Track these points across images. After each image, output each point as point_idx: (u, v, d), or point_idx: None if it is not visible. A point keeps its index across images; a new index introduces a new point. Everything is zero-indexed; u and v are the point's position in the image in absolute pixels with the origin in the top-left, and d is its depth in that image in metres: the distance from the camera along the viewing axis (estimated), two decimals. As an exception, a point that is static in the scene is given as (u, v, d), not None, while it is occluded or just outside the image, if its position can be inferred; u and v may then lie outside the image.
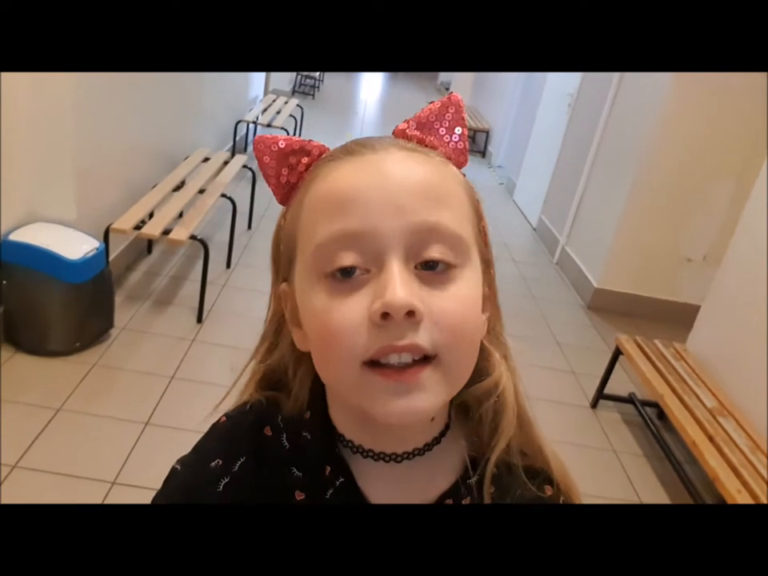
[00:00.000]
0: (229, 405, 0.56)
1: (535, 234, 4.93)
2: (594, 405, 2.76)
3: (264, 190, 4.58)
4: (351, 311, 0.41)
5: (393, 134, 0.48)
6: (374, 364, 0.41)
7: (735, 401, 2.31)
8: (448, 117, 0.47)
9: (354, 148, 0.45)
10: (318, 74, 9.62)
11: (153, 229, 2.59)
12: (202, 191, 3.23)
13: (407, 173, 0.43)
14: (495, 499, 0.50)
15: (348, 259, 0.42)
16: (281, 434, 0.52)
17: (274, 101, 6.03)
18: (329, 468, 0.50)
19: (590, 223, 4.02)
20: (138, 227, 2.58)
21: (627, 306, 3.63)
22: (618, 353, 2.70)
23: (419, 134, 0.47)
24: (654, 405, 2.66)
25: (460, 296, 0.42)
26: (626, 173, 3.58)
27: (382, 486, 0.50)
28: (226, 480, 0.51)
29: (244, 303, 3.03)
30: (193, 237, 2.70)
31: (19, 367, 2.23)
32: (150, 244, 3.30)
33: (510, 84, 6.77)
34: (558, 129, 4.80)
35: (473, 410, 0.51)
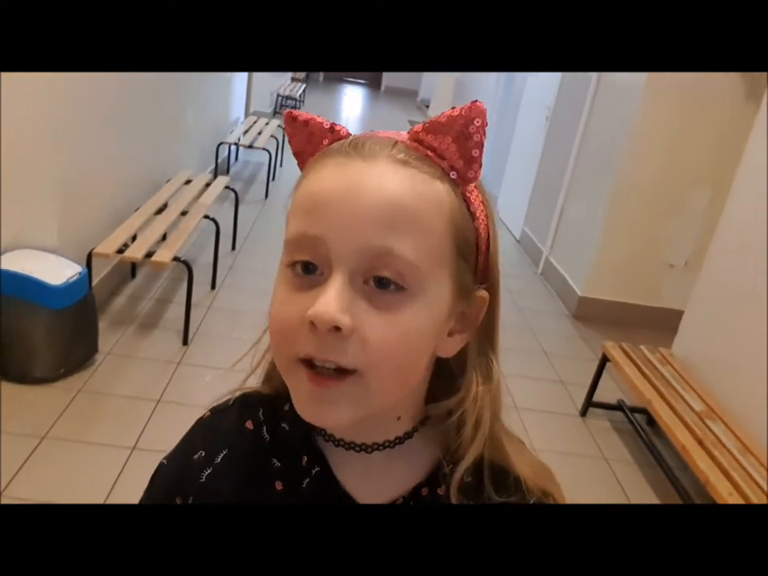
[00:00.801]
0: (244, 366, 0.57)
1: (519, 246, 4.97)
2: (583, 413, 2.77)
3: (247, 211, 4.61)
4: (298, 308, 0.43)
5: (408, 133, 0.47)
6: (305, 362, 0.43)
7: (723, 403, 2.33)
8: (465, 125, 0.44)
9: (348, 150, 0.45)
10: (298, 94, 9.68)
11: (136, 252, 2.58)
12: (184, 213, 3.23)
13: (379, 193, 0.42)
14: (468, 498, 0.50)
15: (304, 257, 0.44)
16: (261, 427, 0.54)
17: (255, 122, 6.06)
18: (305, 458, 0.51)
19: (573, 233, 4.06)
20: (120, 251, 2.57)
21: (612, 314, 3.65)
22: (604, 360, 2.71)
23: (429, 140, 0.45)
24: (643, 411, 2.67)
25: (402, 322, 0.43)
26: (605, 182, 3.62)
27: (357, 476, 0.51)
28: (209, 471, 0.52)
29: (230, 324, 3.02)
30: (176, 258, 2.68)
31: (3, 395, 2.20)
32: (133, 267, 3.28)
33: (488, 99, 6.85)
34: (537, 141, 4.86)
35: (447, 417, 0.51)
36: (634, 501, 2.29)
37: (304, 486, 0.51)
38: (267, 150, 5.30)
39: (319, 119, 0.48)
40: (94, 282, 2.62)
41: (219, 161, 5.20)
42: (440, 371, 0.51)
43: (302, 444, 0.52)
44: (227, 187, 3.95)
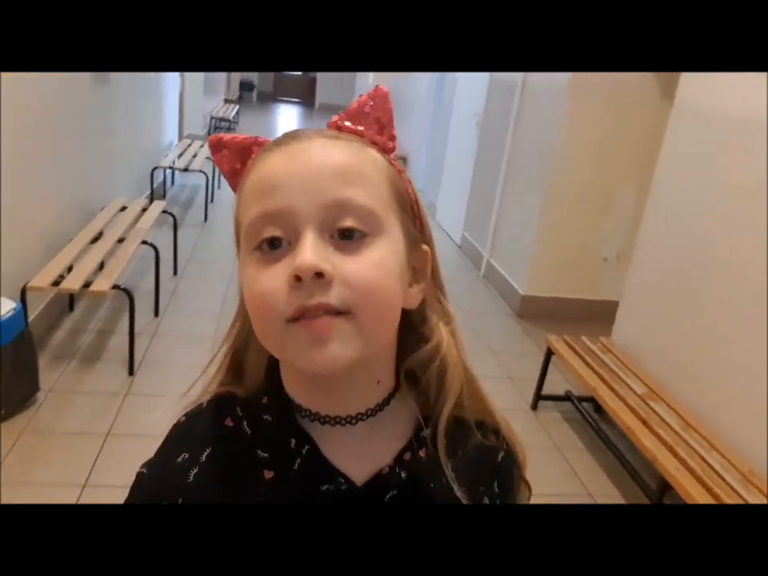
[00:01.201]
0: (196, 392, 0.59)
1: (460, 251, 5.07)
2: (533, 407, 2.84)
3: (187, 235, 4.54)
4: (274, 277, 0.46)
5: (326, 125, 0.53)
6: (295, 321, 0.46)
7: (663, 385, 2.44)
8: (374, 107, 0.53)
9: (283, 140, 0.51)
10: (232, 115, 9.62)
11: (72, 283, 2.51)
12: (121, 240, 3.16)
13: (323, 158, 0.48)
14: (448, 450, 0.54)
15: (271, 232, 0.47)
16: (241, 422, 0.55)
17: (189, 145, 5.99)
18: (293, 441, 0.53)
19: (510, 235, 4.17)
20: (56, 283, 2.49)
21: (554, 310, 3.77)
22: (549, 353, 2.80)
23: (349, 125, 0.52)
24: (590, 399, 2.76)
25: (371, 260, 0.47)
26: (538, 183, 3.75)
27: (343, 450, 0.53)
28: (195, 470, 0.53)
29: (176, 350, 2.96)
30: (116, 287, 2.63)
31: (-62, 444, 2.10)
32: (71, 300, 3.19)
33: (420, 111, 6.98)
34: (470, 148, 4.99)
35: (419, 374, 0.55)
36: (589, 485, 2.36)
37: (295, 467, 0.52)
38: (204, 172, 5.25)
39: (244, 136, 0.54)
40: (31, 317, 2.53)
41: (155, 186, 5.12)
42: (403, 327, 0.54)
43: (288, 428, 0.53)
44: (165, 211, 3.88)
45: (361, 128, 0.52)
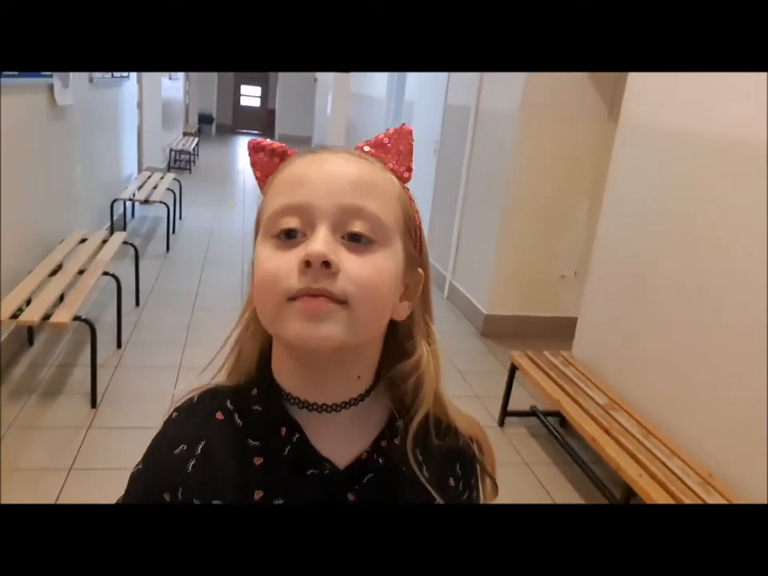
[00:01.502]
0: (214, 369, 0.63)
1: (424, 275, 5.13)
2: (500, 423, 2.88)
3: (149, 266, 4.50)
4: (286, 260, 0.52)
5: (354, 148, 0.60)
6: (295, 300, 0.51)
7: (623, 395, 2.51)
8: (397, 140, 0.60)
9: (315, 149, 0.58)
10: (192, 147, 9.61)
11: (32, 315, 2.47)
12: (81, 272, 3.12)
13: (346, 167, 0.55)
14: (417, 441, 0.60)
15: (290, 223, 0.53)
16: (232, 416, 0.59)
17: (149, 177, 5.96)
18: (284, 429, 0.58)
19: (471, 256, 4.26)
20: (14, 316, 2.45)
21: (516, 328, 3.85)
22: (513, 369, 2.85)
23: (372, 150, 0.59)
24: (555, 414, 2.82)
25: (374, 263, 0.53)
26: (494, 205, 3.86)
27: (327, 437, 0.59)
28: (193, 462, 0.57)
29: (140, 381, 2.92)
30: (77, 318, 2.59)
31: None
32: (30, 333, 3.12)
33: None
34: (429, 174, 5.09)
35: (398, 383, 0.61)
36: (557, 498, 2.40)
37: (285, 453, 0.57)
38: (165, 204, 5.22)
39: (279, 143, 0.60)
40: (-12, 352, 2.48)
41: (115, 218, 5.07)
42: (389, 340, 0.61)
43: (279, 417, 0.58)
44: (126, 243, 3.85)
45: (383, 155, 0.59)
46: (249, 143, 0.61)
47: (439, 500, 0.59)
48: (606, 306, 2.78)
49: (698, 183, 2.24)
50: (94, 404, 2.66)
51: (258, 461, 0.57)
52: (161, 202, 5.16)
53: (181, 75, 10.75)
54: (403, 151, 0.60)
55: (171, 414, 0.61)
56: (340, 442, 0.59)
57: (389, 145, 0.59)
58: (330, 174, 0.54)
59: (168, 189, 5.66)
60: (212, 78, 15.18)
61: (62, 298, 2.83)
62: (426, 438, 0.61)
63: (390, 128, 0.61)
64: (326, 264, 0.50)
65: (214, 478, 0.56)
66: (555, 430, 2.76)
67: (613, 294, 2.71)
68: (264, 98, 16.82)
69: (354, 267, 0.51)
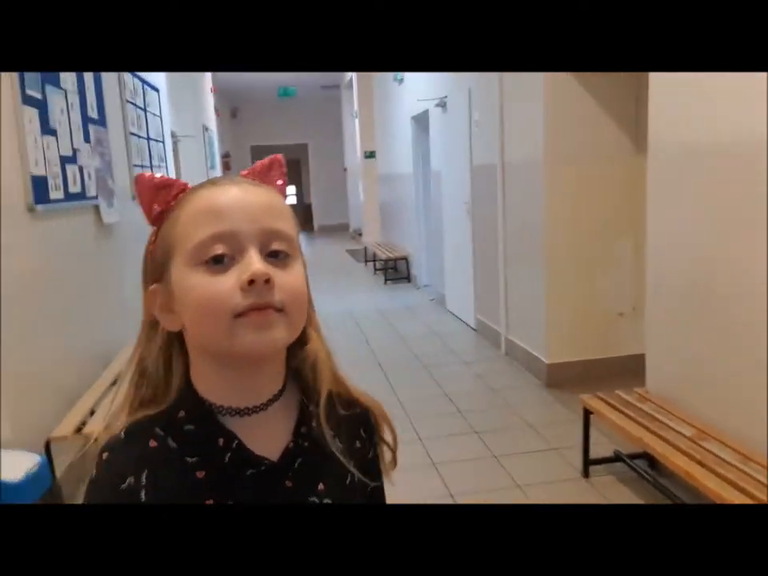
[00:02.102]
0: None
1: (477, 334, 5.04)
2: (585, 474, 2.70)
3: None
4: (225, 282, 0.59)
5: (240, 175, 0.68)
6: (242, 315, 0.58)
7: (710, 423, 2.33)
8: (274, 168, 0.69)
9: (216, 181, 0.64)
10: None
11: (96, 426, 2.49)
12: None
13: (257, 195, 0.63)
14: (328, 419, 0.67)
15: (218, 250, 0.59)
16: (165, 440, 0.63)
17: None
18: (221, 440, 0.63)
19: (522, 308, 4.17)
20: (79, 429, 2.47)
21: (580, 372, 3.68)
22: (587, 414, 2.69)
23: (257, 179, 0.67)
24: (641, 455, 2.63)
25: (294, 274, 0.62)
26: (536, 255, 3.82)
27: (258, 435, 0.65)
28: (143, 492, 0.60)
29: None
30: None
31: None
32: (97, 449, 3.14)
33: (410, 211, 7.22)
34: (465, 234, 5.10)
35: (301, 368, 0.69)
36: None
37: (226, 461, 0.63)
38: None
39: (173, 179, 0.66)
40: (59, 472, 2.48)
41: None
42: None
43: (215, 430, 0.63)
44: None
45: (266, 180, 0.67)
46: (137, 178, 0.65)
47: (353, 470, 0.68)
48: (671, 336, 2.63)
49: (736, 197, 2.15)
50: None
51: (200, 474, 0.62)
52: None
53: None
54: (281, 177, 0.68)
55: (102, 456, 0.62)
56: (269, 437, 0.65)
57: (269, 173, 0.68)
58: (245, 202, 0.61)
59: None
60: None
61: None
62: (335, 413, 0.69)
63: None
64: (267, 281, 0.58)
65: (166, 500, 0.60)
66: (646, 473, 2.57)
67: (675, 322, 2.57)
68: (299, 194, 17.65)
69: (284, 280, 0.60)
